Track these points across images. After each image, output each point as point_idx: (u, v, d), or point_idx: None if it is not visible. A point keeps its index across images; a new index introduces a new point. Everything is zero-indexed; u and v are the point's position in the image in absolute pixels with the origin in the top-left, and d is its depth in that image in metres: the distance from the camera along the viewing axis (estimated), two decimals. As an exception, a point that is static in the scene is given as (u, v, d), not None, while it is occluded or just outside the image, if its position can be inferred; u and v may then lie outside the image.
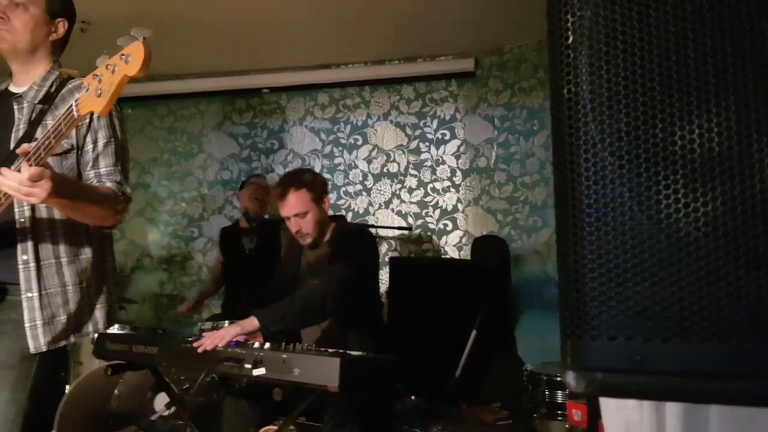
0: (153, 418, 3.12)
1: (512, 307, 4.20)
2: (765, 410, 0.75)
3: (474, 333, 3.45)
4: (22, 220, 1.75)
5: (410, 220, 4.67)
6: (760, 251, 0.54)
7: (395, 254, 4.61)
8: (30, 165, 1.49)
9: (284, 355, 2.00)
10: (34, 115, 1.82)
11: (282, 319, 2.27)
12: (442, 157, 4.65)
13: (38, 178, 1.47)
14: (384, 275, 4.03)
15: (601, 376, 0.57)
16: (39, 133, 1.77)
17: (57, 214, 1.79)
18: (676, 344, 0.55)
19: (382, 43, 4.48)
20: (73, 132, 1.75)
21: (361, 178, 4.80)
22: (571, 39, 0.56)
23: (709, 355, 0.55)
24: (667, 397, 0.71)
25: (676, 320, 0.55)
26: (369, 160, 4.80)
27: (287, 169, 4.91)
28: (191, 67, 4.89)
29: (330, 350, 2.16)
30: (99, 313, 1.90)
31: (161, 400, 3.12)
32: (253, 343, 2.18)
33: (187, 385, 3.02)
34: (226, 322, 3.08)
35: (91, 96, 1.42)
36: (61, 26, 1.92)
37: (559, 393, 2.74)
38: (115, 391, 3.20)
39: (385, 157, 4.76)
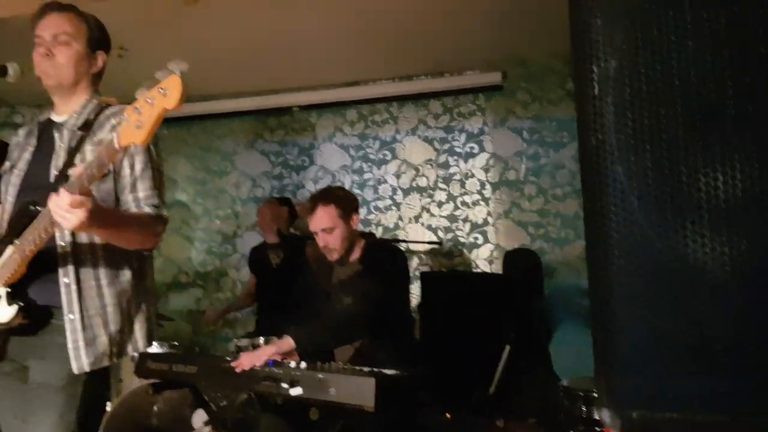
0: (192, 435, 3.18)
1: (546, 321, 4.17)
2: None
3: (507, 347, 3.43)
4: (63, 244, 1.80)
5: (440, 234, 4.68)
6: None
7: (426, 268, 4.62)
8: (72, 192, 1.54)
9: (320, 375, 2.04)
10: (73, 142, 1.88)
11: (317, 339, 2.31)
12: (471, 170, 4.66)
13: (78, 206, 1.52)
14: (415, 290, 4.05)
15: (636, 415, 0.59)
16: (78, 160, 1.83)
17: (97, 238, 1.83)
18: (705, 382, 0.57)
19: (409, 59, 4.53)
20: None
21: (390, 193, 4.84)
22: (597, 89, 0.59)
23: (737, 392, 0.56)
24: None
25: (705, 358, 0.57)
26: (398, 175, 4.83)
27: (317, 185, 4.99)
28: (223, 88, 5.00)
29: (365, 369, 2.19)
30: (139, 333, 1.93)
31: (199, 418, 3.17)
32: (290, 363, 2.22)
33: (225, 403, 3.07)
34: (261, 339, 3.14)
35: (131, 127, 1.46)
36: (101, 58, 1.99)
37: (597, 409, 2.71)
38: (155, 408, 3.27)
39: (414, 172, 4.79)
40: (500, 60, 4.50)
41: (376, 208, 4.85)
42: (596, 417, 2.73)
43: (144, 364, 2.55)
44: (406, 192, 4.80)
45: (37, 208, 1.73)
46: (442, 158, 4.73)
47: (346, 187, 4.90)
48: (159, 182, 1.93)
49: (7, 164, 2.00)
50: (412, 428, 2.65)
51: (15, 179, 1.94)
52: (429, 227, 4.71)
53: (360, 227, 2.86)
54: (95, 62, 1.98)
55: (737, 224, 0.56)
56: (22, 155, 1.97)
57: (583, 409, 2.75)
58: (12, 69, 1.97)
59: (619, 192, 0.59)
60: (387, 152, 4.88)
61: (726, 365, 0.57)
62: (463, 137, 4.70)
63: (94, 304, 1.82)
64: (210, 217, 5.29)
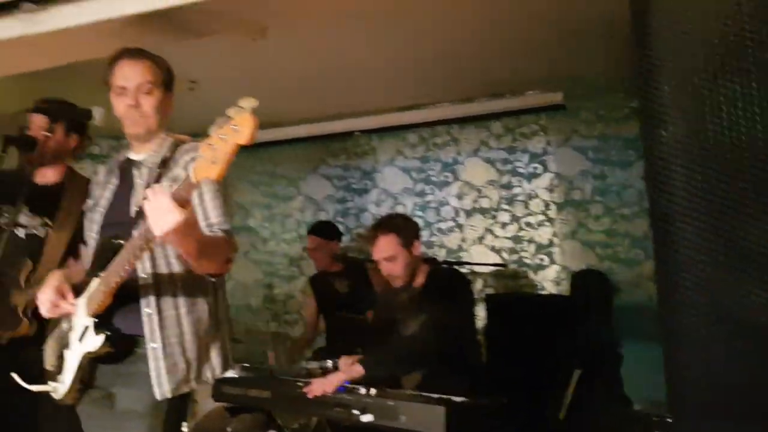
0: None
1: (616, 343, 4.07)
2: None
3: (577, 371, 3.38)
4: (144, 275, 1.89)
5: (504, 255, 4.65)
6: None
7: (490, 291, 4.60)
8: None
9: (390, 402, 2.08)
10: (152, 179, 1.96)
11: (386, 366, 2.35)
12: (534, 190, 4.63)
13: (176, 207, 1.56)
14: (480, 312, 4.03)
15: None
16: None
17: (175, 268, 1.92)
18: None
19: (468, 82, 4.54)
20: None
21: (453, 215, 4.85)
22: (665, 154, 0.61)
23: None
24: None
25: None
26: (460, 197, 4.84)
27: (380, 208, 5.05)
28: (287, 115, 5.13)
29: (434, 396, 2.21)
30: (216, 359, 2.00)
31: (272, 441, 3.26)
32: (360, 389, 2.27)
33: (297, 426, 3.14)
34: (330, 362, 3.20)
35: (206, 163, 1.52)
36: (173, 98, 2.08)
37: (671, 436, 2.63)
38: (229, 430, 3.38)
39: (476, 193, 4.79)
40: (561, 79, 4.46)
41: (439, 230, 4.87)
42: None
43: (220, 388, 2.65)
44: (469, 213, 4.80)
45: (120, 242, 1.81)
46: (505, 179, 4.72)
47: (408, 209, 4.95)
48: (228, 209, 1.99)
49: (90, 202, 2.12)
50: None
51: (98, 216, 2.04)
52: (492, 249, 4.69)
53: (423, 249, 2.89)
54: (171, 102, 2.07)
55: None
56: (103, 193, 2.08)
57: (658, 434, 2.67)
58: (98, 113, 2.11)
59: (689, 251, 0.61)
60: (448, 174, 4.90)
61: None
62: (525, 157, 4.67)
63: (174, 332, 1.88)
64: (276, 241, 5.43)
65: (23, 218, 2.58)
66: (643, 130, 0.63)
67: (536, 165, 4.64)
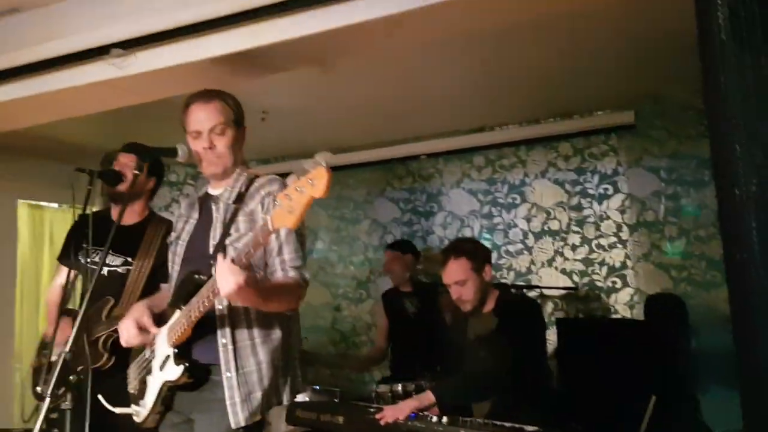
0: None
1: (693, 369, 3.92)
2: None
3: (653, 398, 3.27)
4: (221, 308, 1.97)
5: (575, 278, 4.57)
6: None
7: (561, 314, 4.52)
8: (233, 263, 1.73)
9: (462, 430, 2.08)
10: (228, 215, 2.06)
11: (456, 394, 2.36)
12: (605, 212, 4.54)
13: (237, 273, 1.70)
14: (551, 336, 3.97)
15: None
16: (233, 230, 2.01)
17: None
18: None
19: (536, 103, 4.52)
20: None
21: (521, 237, 4.81)
22: (740, 209, 0.62)
23: None
24: None
25: None
26: (528, 219, 4.80)
27: (446, 231, 5.07)
28: (355, 141, 5.25)
29: (506, 425, 2.21)
30: (289, 384, 2.07)
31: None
32: (431, 417, 2.29)
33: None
34: (399, 386, 3.24)
35: (283, 212, 1.60)
36: (245, 131, 2.17)
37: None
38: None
39: (545, 215, 4.74)
40: (631, 98, 4.38)
41: (507, 253, 4.84)
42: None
43: (294, 412, 2.72)
44: (538, 236, 4.75)
45: (201, 277, 1.91)
46: (575, 200, 4.65)
47: (475, 231, 4.94)
48: (302, 245, 2.07)
49: (173, 235, 2.24)
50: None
51: (180, 249, 2.16)
52: (563, 271, 4.62)
53: (492, 272, 2.90)
54: (243, 136, 2.17)
55: None
56: (185, 227, 2.20)
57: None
58: (181, 150, 2.21)
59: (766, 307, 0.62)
60: (516, 196, 4.87)
61: None
62: (596, 178, 4.59)
63: (250, 362, 1.96)
64: (345, 264, 5.52)
65: (107, 257, 2.75)
66: (717, 187, 0.64)
67: (607, 186, 4.55)
